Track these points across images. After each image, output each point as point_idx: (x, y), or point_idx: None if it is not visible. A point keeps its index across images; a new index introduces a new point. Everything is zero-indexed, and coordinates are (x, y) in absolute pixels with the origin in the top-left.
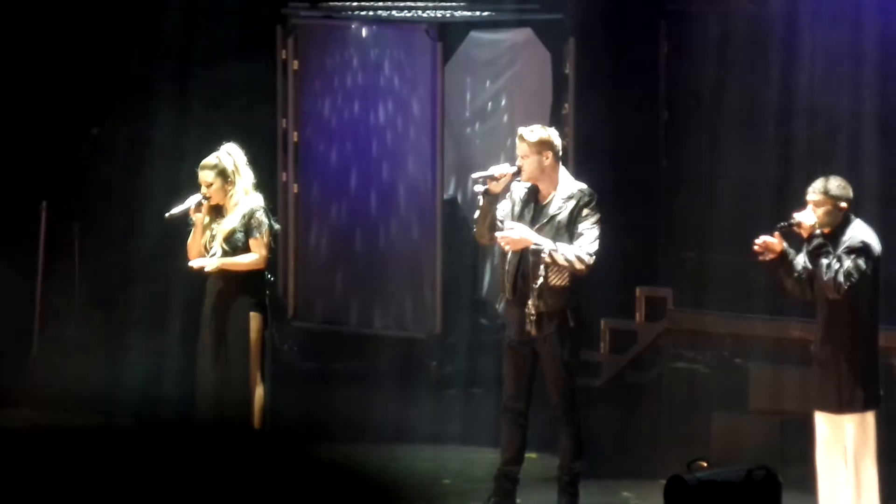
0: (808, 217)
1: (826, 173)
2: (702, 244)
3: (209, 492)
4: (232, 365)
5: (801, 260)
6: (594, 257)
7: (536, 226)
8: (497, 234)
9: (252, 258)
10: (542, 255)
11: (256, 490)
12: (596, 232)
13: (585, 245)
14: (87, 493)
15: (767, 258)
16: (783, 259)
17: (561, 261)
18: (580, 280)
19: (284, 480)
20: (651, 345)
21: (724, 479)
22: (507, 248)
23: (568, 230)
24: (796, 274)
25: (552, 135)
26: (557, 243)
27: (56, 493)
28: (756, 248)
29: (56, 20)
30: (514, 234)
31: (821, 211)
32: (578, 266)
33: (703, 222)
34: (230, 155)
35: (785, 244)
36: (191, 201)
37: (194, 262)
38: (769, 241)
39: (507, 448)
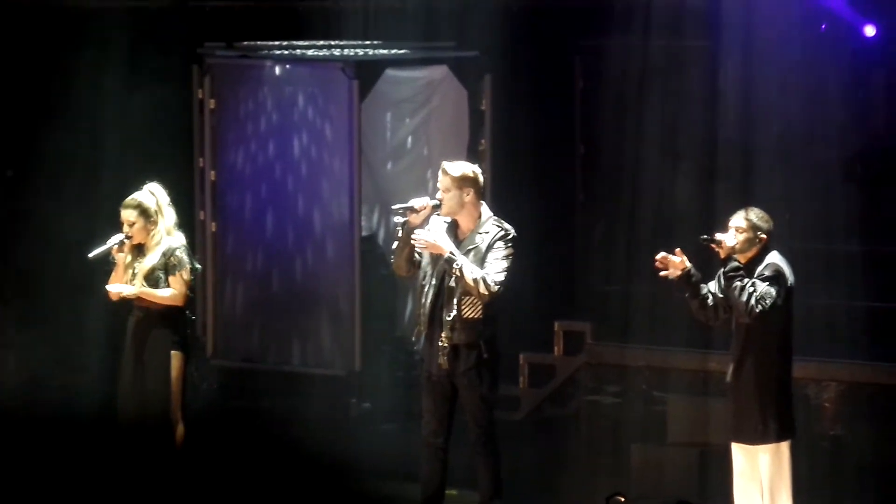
0: (729, 239)
1: (742, 206)
2: (620, 277)
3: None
4: (152, 403)
5: (711, 286)
6: (499, 287)
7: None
8: (416, 233)
9: (169, 293)
10: (453, 266)
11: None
12: (504, 264)
13: (492, 273)
14: None
15: (669, 275)
16: (686, 278)
17: (468, 277)
18: (493, 312)
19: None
20: (570, 378)
21: None
22: (421, 247)
23: (482, 264)
24: (701, 296)
25: (475, 171)
26: (471, 264)
27: None
28: (657, 262)
29: None
30: (430, 236)
31: (742, 237)
32: (482, 289)
33: (620, 255)
34: (153, 194)
35: (689, 264)
36: (113, 241)
37: (112, 288)
38: (670, 258)
39: (428, 484)
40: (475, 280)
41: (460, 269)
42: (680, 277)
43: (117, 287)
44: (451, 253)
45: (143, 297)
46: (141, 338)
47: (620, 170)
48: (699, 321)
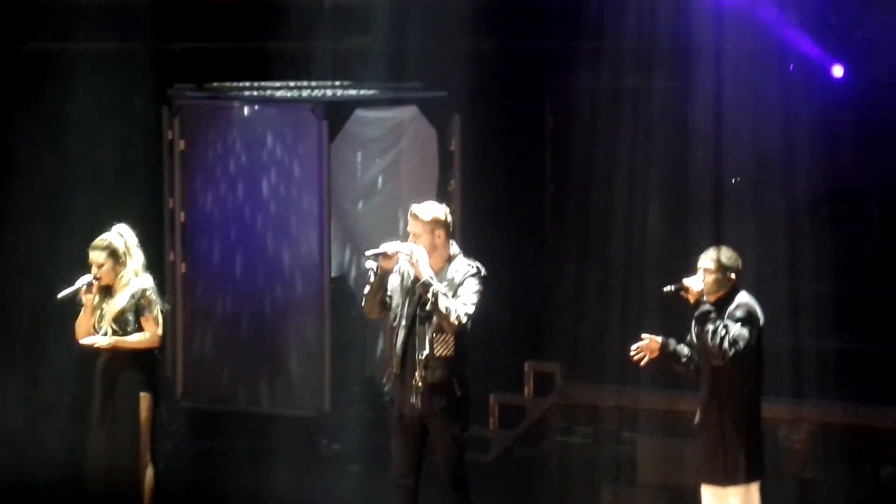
0: (696, 283)
1: (711, 245)
2: (589, 317)
3: None
4: (121, 445)
5: (685, 348)
6: (468, 319)
7: (424, 300)
8: (402, 245)
9: (145, 336)
10: (429, 291)
11: None
12: (474, 299)
13: (462, 306)
14: None
15: (648, 359)
16: (664, 352)
17: (441, 303)
18: (464, 349)
19: None
20: (540, 419)
21: None
22: (406, 257)
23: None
24: (685, 359)
25: (444, 212)
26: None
27: None
28: (633, 356)
29: None
30: (416, 254)
31: (710, 279)
32: (452, 319)
33: (590, 296)
34: (121, 236)
35: (660, 340)
36: (81, 282)
37: (86, 340)
38: (641, 346)
39: None
40: (447, 308)
41: (435, 295)
42: (660, 355)
43: (91, 339)
44: (430, 277)
45: (119, 346)
46: (110, 379)
47: (591, 208)
48: (694, 378)
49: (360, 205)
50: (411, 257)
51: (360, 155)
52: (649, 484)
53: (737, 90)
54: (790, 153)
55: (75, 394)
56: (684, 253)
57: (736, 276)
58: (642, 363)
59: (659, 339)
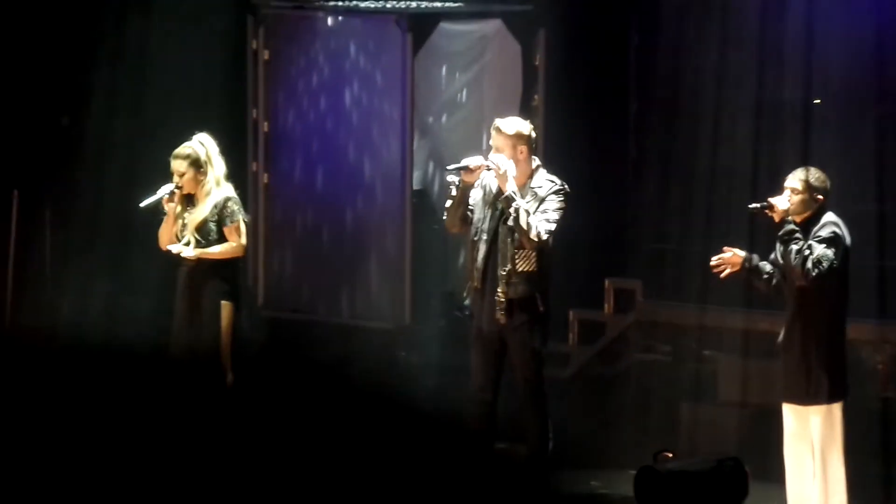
0: (782, 202)
1: (798, 165)
2: (672, 235)
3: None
4: (204, 351)
5: (768, 264)
6: (548, 236)
7: (506, 215)
8: (491, 156)
9: (230, 246)
10: (512, 205)
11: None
12: (556, 216)
13: (543, 223)
14: None
15: (728, 272)
16: (745, 267)
17: (522, 219)
18: (546, 265)
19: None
20: (620, 336)
21: (694, 470)
22: (493, 167)
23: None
24: (766, 276)
25: (527, 127)
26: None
27: None
28: (714, 268)
29: (23, 14)
30: (503, 165)
31: (797, 199)
32: (532, 235)
33: (673, 213)
34: (203, 144)
35: (742, 254)
36: (163, 191)
37: (172, 247)
38: (724, 258)
39: (476, 438)
40: (528, 224)
41: (517, 210)
42: (741, 270)
43: (177, 247)
44: (514, 192)
45: (204, 257)
46: (192, 288)
47: (674, 127)
48: (772, 297)
49: (443, 118)
50: (499, 169)
51: (444, 68)
52: (729, 402)
53: (827, 5)
54: (881, 71)
55: (158, 302)
56: (769, 172)
57: (823, 198)
58: (722, 276)
59: (742, 253)
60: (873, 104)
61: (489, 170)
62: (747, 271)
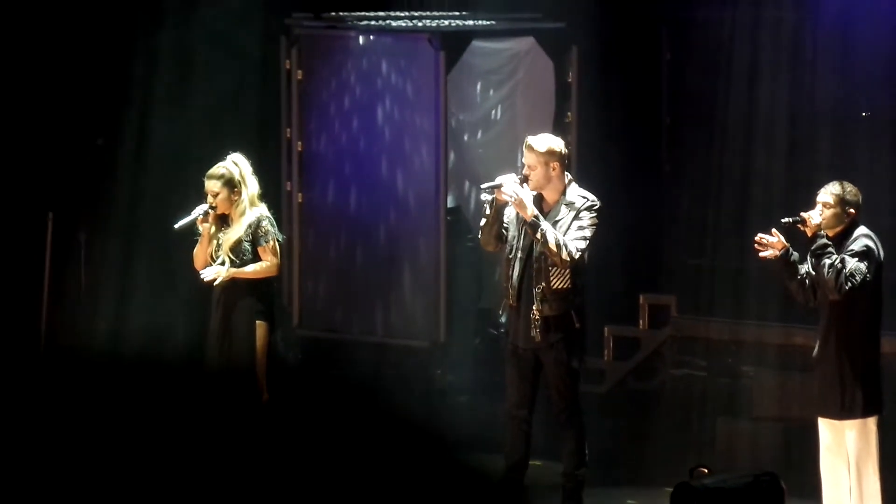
0: (814, 216)
1: (830, 179)
2: (706, 250)
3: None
4: (239, 372)
5: (805, 266)
6: (580, 254)
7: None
8: (505, 185)
9: (264, 265)
10: (537, 231)
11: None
12: (587, 233)
13: (574, 241)
14: None
15: (767, 255)
16: (785, 258)
17: (550, 242)
18: (581, 282)
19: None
20: (655, 352)
21: (730, 486)
22: (509, 198)
23: (566, 234)
24: (800, 277)
25: (559, 144)
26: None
27: None
28: (756, 244)
29: (60, 33)
30: (520, 192)
31: (829, 213)
32: (563, 255)
33: (706, 228)
34: (237, 164)
35: (787, 243)
36: (197, 211)
37: (207, 273)
38: (767, 238)
39: (511, 455)
40: (557, 245)
41: (543, 234)
42: (780, 258)
43: (212, 271)
44: (536, 217)
45: (238, 276)
46: (227, 307)
47: (707, 142)
48: (799, 303)
49: (477, 135)
50: (513, 199)
51: (477, 86)
52: (765, 417)
53: (861, 22)
54: None
55: (194, 322)
56: (801, 187)
57: (856, 212)
58: (761, 255)
59: (786, 244)
60: None
61: (522, 184)
62: (785, 263)
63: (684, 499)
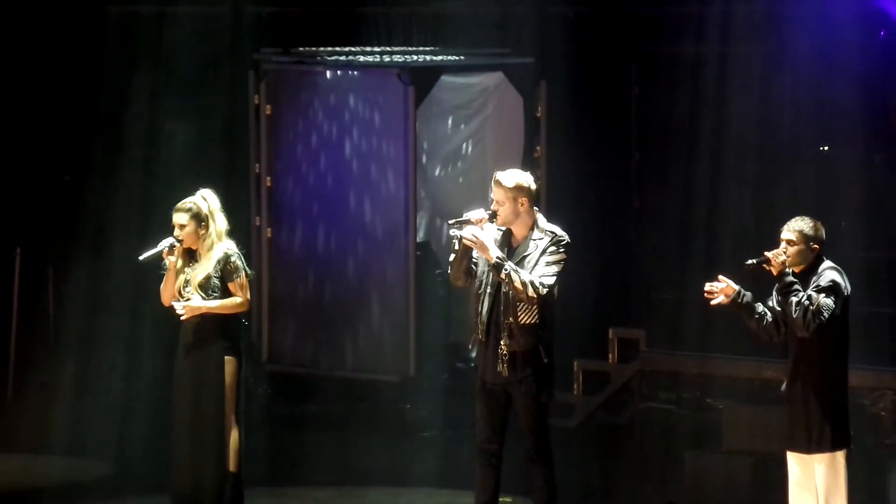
0: (778, 255)
1: (800, 214)
2: (675, 284)
3: None
4: (207, 408)
5: (769, 302)
6: (548, 290)
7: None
8: (466, 229)
9: (236, 301)
10: (501, 272)
11: None
12: (555, 269)
13: (541, 277)
14: None
15: (719, 302)
16: (736, 302)
17: (516, 281)
18: (550, 317)
19: None
20: (624, 386)
21: None
22: (469, 243)
23: (534, 269)
24: (757, 315)
25: (528, 179)
26: (518, 268)
27: None
28: (706, 294)
29: (30, 71)
30: (480, 235)
31: (793, 250)
32: (530, 293)
33: (675, 263)
34: (205, 199)
35: (736, 287)
36: (164, 244)
37: (178, 306)
38: (715, 286)
39: (482, 491)
40: (523, 283)
41: (508, 275)
42: (731, 302)
43: (192, 304)
44: (498, 258)
45: (213, 311)
46: (195, 344)
47: (677, 176)
48: (762, 340)
49: (447, 170)
50: (475, 243)
51: (446, 121)
52: (734, 450)
53: (825, 57)
54: (880, 122)
55: (162, 358)
56: (771, 220)
57: (819, 246)
58: (713, 303)
59: (735, 286)
60: (876, 150)
61: (491, 219)
62: (738, 306)
63: None
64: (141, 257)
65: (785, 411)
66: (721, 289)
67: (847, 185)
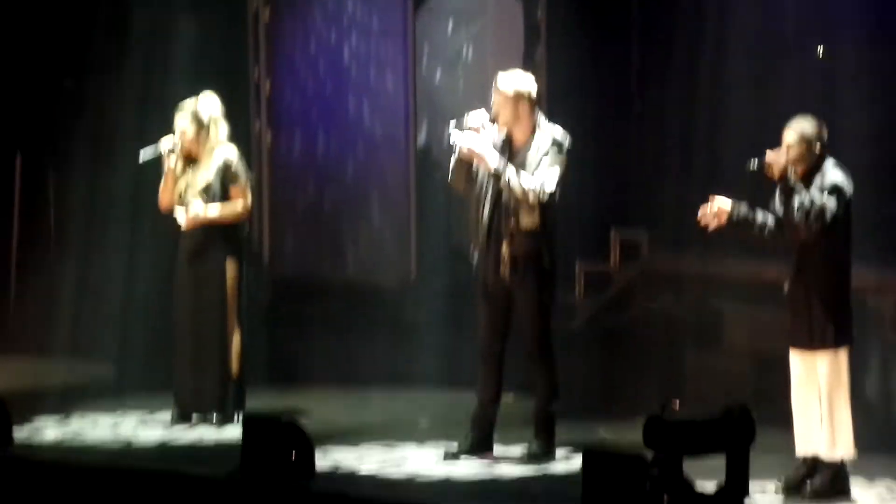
0: (780, 157)
1: (803, 115)
2: (677, 185)
3: None
4: (209, 312)
5: (761, 214)
6: (550, 194)
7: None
8: (462, 141)
9: (237, 208)
10: (500, 180)
11: None
12: (556, 171)
13: (543, 181)
14: None
15: (716, 226)
16: (733, 219)
17: (516, 188)
18: (551, 220)
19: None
20: (626, 287)
21: (702, 418)
22: (464, 155)
23: (535, 172)
24: (758, 225)
25: (529, 82)
26: (518, 172)
27: None
28: (700, 221)
29: None
30: (476, 146)
31: (795, 151)
32: (531, 198)
33: (678, 163)
34: (207, 103)
35: (728, 206)
36: (164, 144)
37: (179, 215)
38: (708, 209)
39: (484, 390)
40: (524, 190)
41: (508, 181)
42: (728, 223)
43: (194, 211)
44: (497, 167)
45: (211, 219)
46: (197, 249)
47: (679, 78)
48: (767, 244)
49: (447, 75)
50: (474, 152)
51: (446, 25)
52: (736, 350)
53: None
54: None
55: (162, 265)
56: (774, 120)
57: (821, 147)
58: (710, 230)
59: (727, 204)
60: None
61: (492, 123)
62: (734, 224)
63: (656, 431)
64: (141, 157)
65: (787, 310)
66: (714, 212)
67: (850, 83)
